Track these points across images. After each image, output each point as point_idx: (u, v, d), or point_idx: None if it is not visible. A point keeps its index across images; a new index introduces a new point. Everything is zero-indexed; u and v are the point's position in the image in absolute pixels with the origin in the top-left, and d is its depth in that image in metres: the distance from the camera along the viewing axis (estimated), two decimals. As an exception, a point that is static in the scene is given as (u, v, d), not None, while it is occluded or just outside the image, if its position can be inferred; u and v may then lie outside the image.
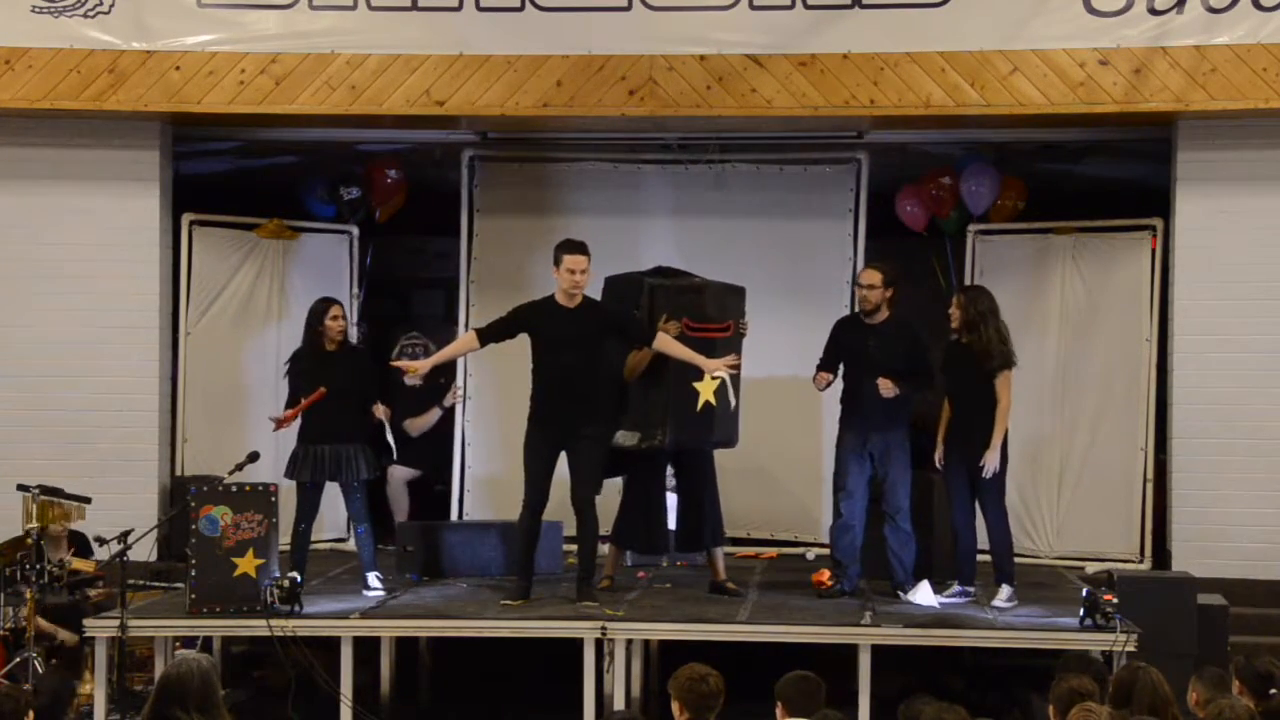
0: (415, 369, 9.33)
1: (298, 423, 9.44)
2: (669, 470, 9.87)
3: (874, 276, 9.41)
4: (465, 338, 9.44)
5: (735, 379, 9.33)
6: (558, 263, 9.02)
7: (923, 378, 9.37)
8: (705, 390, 9.24)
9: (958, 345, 9.31)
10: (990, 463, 9.05)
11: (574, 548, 9.37)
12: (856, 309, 9.77)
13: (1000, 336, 9.16)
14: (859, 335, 9.44)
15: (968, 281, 11.39)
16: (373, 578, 9.45)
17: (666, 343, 9.07)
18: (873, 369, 9.24)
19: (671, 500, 10.07)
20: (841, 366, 9.52)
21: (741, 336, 9.58)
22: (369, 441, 9.62)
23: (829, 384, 9.49)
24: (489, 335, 9.19)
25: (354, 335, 11.90)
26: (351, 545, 10.85)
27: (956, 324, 9.28)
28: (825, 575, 9.74)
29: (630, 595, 9.42)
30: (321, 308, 9.50)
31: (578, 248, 9.04)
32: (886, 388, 9.14)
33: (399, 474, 11.59)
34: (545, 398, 9.04)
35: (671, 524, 9.98)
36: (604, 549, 10.48)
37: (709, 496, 9.60)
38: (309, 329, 9.50)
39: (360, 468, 9.40)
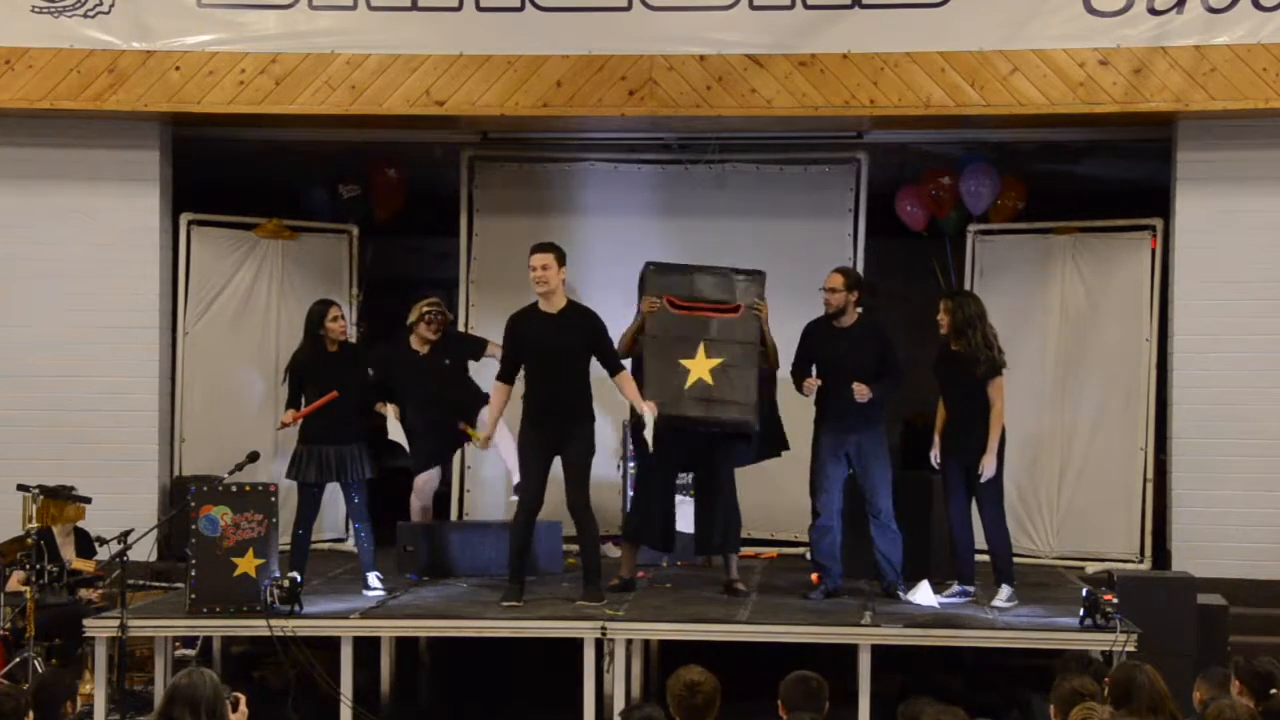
0: (483, 442, 9.32)
1: (298, 423, 9.44)
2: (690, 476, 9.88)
3: (835, 280, 9.45)
4: (499, 391, 9.18)
5: (742, 366, 9.28)
6: (529, 265, 9.06)
7: (893, 380, 9.38)
8: (698, 368, 9.27)
9: (949, 349, 9.31)
10: (987, 468, 9.06)
11: (573, 548, 9.37)
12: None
13: (987, 342, 9.15)
14: (830, 339, 9.45)
15: (968, 282, 11.42)
16: (373, 578, 9.45)
17: (624, 380, 9.07)
18: (845, 372, 9.26)
19: (687, 504, 10.08)
20: (815, 370, 9.52)
21: (756, 316, 9.46)
22: (369, 441, 9.62)
23: (814, 388, 9.44)
24: (509, 372, 9.15)
25: (353, 335, 11.92)
26: (351, 545, 10.86)
27: (945, 329, 9.29)
28: (823, 576, 9.79)
29: (630, 595, 9.41)
30: (321, 310, 9.50)
31: (539, 247, 9.06)
32: (862, 393, 9.18)
33: (428, 483, 10.66)
34: (536, 401, 9.07)
35: (683, 525, 9.99)
36: (609, 548, 10.52)
37: (723, 503, 9.55)
38: (310, 331, 9.50)
39: (363, 468, 9.42)
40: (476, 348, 10.77)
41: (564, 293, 9.09)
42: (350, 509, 9.61)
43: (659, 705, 5.92)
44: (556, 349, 8.96)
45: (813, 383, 9.41)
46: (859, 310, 9.48)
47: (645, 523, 9.70)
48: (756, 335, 9.46)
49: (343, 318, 9.56)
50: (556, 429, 8.98)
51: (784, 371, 9.68)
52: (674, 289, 9.43)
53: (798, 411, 9.96)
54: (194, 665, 5.77)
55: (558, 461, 9.07)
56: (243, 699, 5.51)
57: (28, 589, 8.87)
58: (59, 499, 9.32)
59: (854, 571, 9.60)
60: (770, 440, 9.86)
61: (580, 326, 9.03)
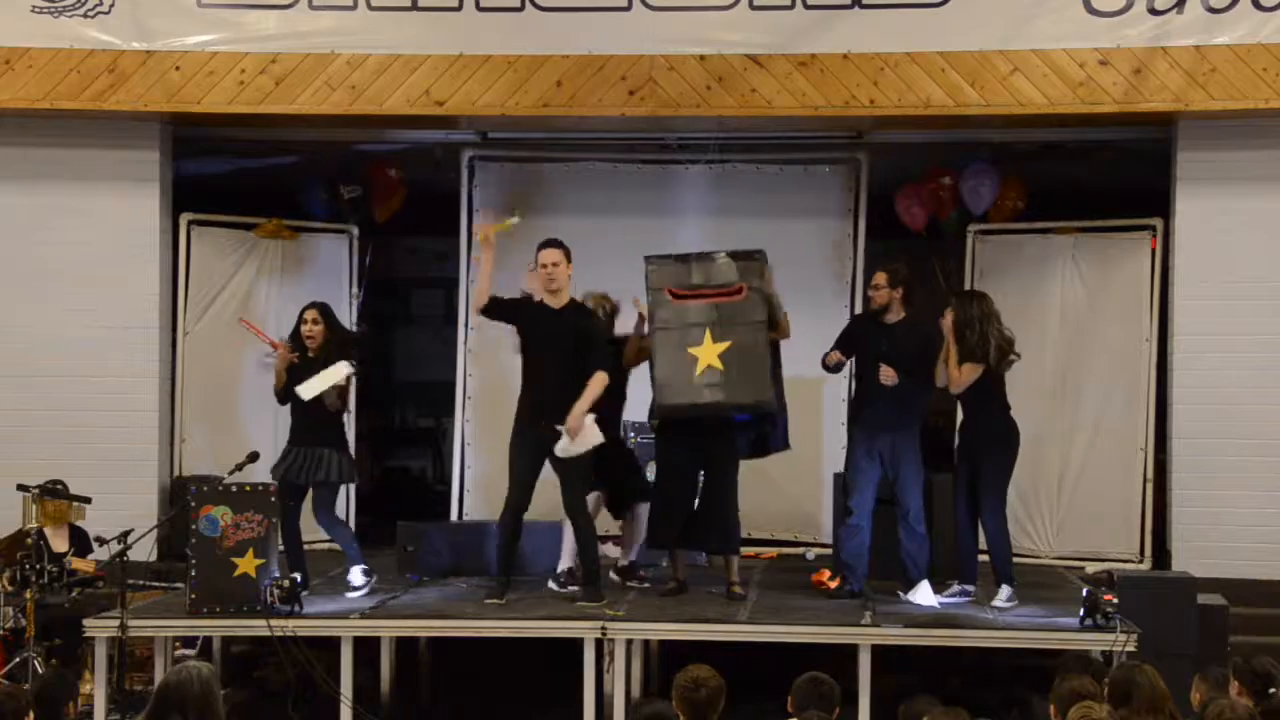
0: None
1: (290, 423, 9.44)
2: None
3: (879, 276, 9.43)
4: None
5: (751, 346, 9.21)
6: (537, 262, 9.06)
7: (929, 378, 9.32)
8: (706, 354, 9.20)
9: None
10: (886, 372, 9.08)
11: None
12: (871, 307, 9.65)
13: (982, 340, 9.08)
14: (873, 334, 9.41)
15: (968, 282, 11.41)
16: (357, 571, 9.32)
17: (594, 381, 8.91)
18: (874, 365, 9.23)
19: None
20: (854, 364, 9.50)
21: (760, 292, 9.29)
22: (345, 446, 9.57)
23: (837, 361, 9.45)
24: (496, 303, 9.14)
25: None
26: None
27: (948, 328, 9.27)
28: (825, 575, 9.75)
29: (630, 595, 9.41)
30: (300, 314, 9.45)
31: (549, 243, 9.11)
32: (888, 376, 9.14)
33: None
34: (530, 399, 9.04)
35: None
36: (609, 548, 10.51)
37: (725, 501, 9.46)
38: (293, 334, 9.45)
39: (338, 471, 9.34)
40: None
41: (569, 290, 9.11)
42: (318, 511, 9.44)
43: (666, 701, 5.93)
44: (554, 346, 8.95)
45: (835, 356, 9.41)
46: (906, 309, 9.39)
47: (669, 526, 9.53)
48: (763, 314, 9.34)
49: (308, 321, 9.40)
50: (548, 431, 8.96)
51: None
52: (674, 280, 9.40)
53: (797, 409, 9.96)
54: (188, 660, 5.76)
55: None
56: None
57: (28, 589, 8.87)
58: (47, 497, 9.33)
59: (881, 571, 9.52)
60: (772, 438, 9.74)
61: (578, 321, 9.04)
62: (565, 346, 8.97)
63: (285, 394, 9.39)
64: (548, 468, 9.08)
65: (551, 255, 9.02)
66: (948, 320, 9.18)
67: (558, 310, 9.03)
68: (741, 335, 9.27)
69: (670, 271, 9.47)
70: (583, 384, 8.92)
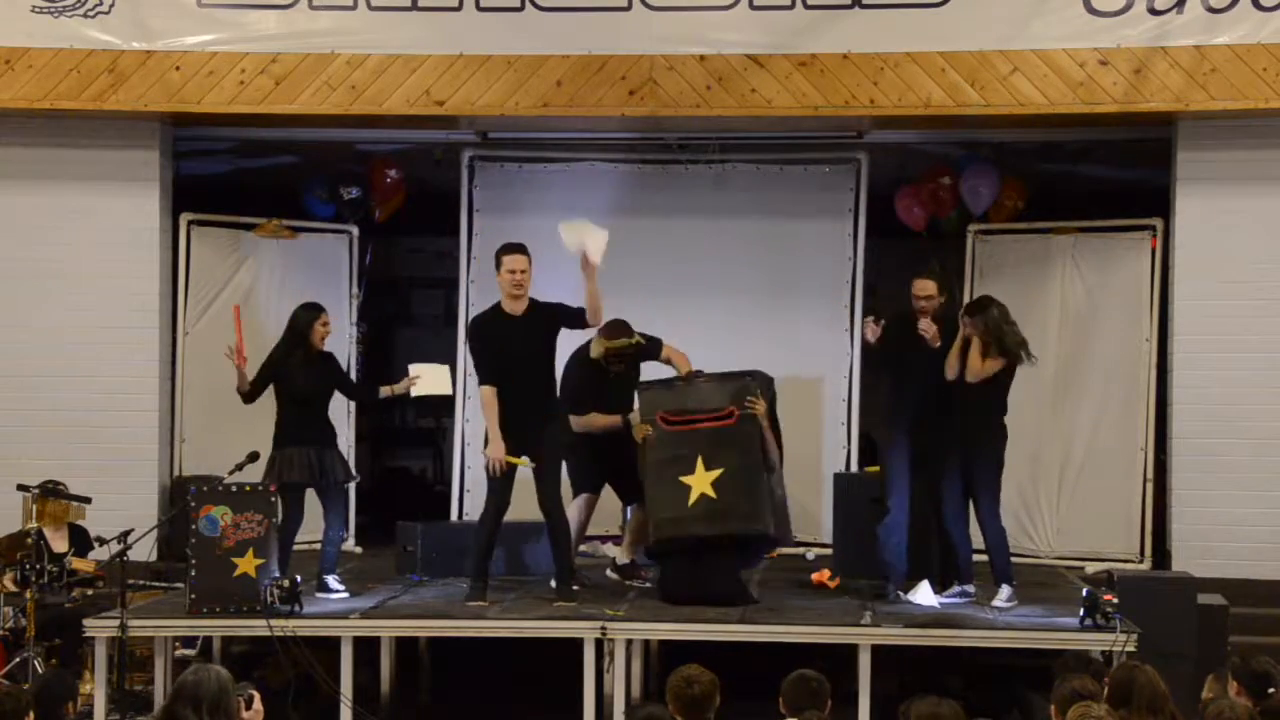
0: (497, 462, 8.94)
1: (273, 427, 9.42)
2: None
3: (929, 286, 9.13)
4: (486, 395, 9.01)
5: (745, 471, 9.03)
6: (498, 266, 9.01)
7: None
8: (699, 483, 9.03)
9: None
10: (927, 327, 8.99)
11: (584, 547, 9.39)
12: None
13: (1004, 340, 9.05)
14: (908, 333, 9.17)
15: (968, 282, 11.43)
16: (332, 580, 9.33)
17: (593, 296, 8.92)
18: (919, 363, 9.15)
19: None
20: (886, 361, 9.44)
21: (753, 417, 9.08)
22: (337, 444, 9.57)
23: (875, 334, 9.20)
24: (489, 376, 9.03)
25: (354, 335, 11.92)
26: (351, 545, 10.87)
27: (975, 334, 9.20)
28: (825, 574, 9.75)
29: (630, 595, 9.42)
30: (311, 316, 9.40)
31: (516, 248, 9.01)
32: (929, 331, 8.98)
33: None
34: (501, 404, 8.96)
35: None
36: (608, 548, 10.53)
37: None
38: (296, 335, 9.41)
39: (343, 469, 9.37)
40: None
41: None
42: (328, 510, 9.43)
43: (662, 704, 5.93)
44: (525, 353, 8.92)
45: (873, 328, 9.22)
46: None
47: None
48: (757, 437, 9.11)
49: (329, 324, 9.46)
50: (523, 433, 8.93)
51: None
52: (665, 405, 9.21)
53: (796, 409, 9.95)
54: (202, 662, 5.79)
55: None
56: (257, 696, 5.50)
57: (28, 591, 8.87)
58: (47, 497, 9.33)
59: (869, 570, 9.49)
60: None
61: (544, 316, 9.00)
62: (534, 348, 8.94)
63: (252, 395, 9.43)
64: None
65: (520, 261, 8.93)
66: (978, 321, 9.04)
67: (520, 317, 8.97)
68: (734, 461, 9.04)
69: (661, 397, 9.29)
70: (553, 374, 8.98)
